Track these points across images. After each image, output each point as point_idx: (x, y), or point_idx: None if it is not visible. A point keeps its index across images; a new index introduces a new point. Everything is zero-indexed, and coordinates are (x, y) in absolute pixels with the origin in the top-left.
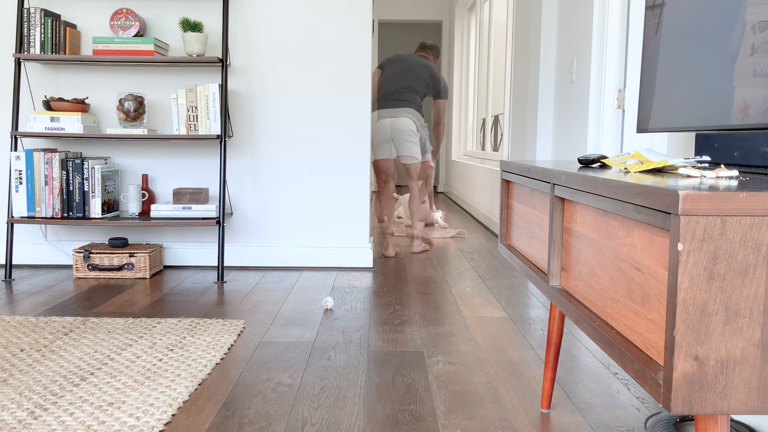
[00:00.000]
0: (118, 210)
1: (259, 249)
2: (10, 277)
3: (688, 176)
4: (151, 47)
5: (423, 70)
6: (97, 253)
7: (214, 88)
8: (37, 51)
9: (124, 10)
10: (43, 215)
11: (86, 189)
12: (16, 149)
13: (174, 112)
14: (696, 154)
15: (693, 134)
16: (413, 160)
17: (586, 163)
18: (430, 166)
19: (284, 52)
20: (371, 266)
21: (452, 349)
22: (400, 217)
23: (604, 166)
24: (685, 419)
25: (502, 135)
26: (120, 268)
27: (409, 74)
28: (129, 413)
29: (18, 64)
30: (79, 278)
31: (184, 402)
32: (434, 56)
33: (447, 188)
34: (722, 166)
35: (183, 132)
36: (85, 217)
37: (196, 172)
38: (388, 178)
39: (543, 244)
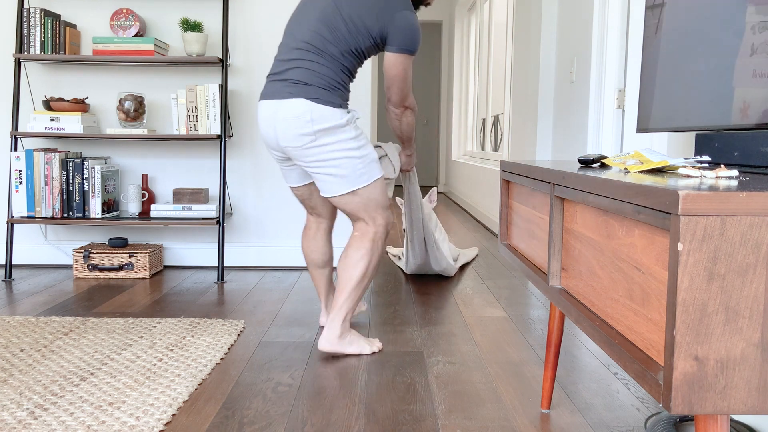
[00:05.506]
0: (118, 210)
1: (259, 249)
2: (10, 277)
3: (688, 176)
4: (151, 47)
5: None
6: (97, 253)
7: (214, 88)
8: (37, 51)
9: (124, 10)
10: (43, 215)
11: (86, 189)
12: (16, 149)
13: (174, 112)
14: (696, 154)
15: (693, 134)
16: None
17: (586, 163)
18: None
19: None
20: None
21: (452, 349)
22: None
23: (604, 166)
24: (685, 419)
25: (502, 135)
26: (120, 268)
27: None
28: (129, 413)
29: (18, 64)
30: (79, 278)
31: (184, 402)
32: None
33: (447, 188)
34: (722, 166)
35: (183, 132)
36: (85, 217)
37: (196, 172)
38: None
39: (543, 244)
